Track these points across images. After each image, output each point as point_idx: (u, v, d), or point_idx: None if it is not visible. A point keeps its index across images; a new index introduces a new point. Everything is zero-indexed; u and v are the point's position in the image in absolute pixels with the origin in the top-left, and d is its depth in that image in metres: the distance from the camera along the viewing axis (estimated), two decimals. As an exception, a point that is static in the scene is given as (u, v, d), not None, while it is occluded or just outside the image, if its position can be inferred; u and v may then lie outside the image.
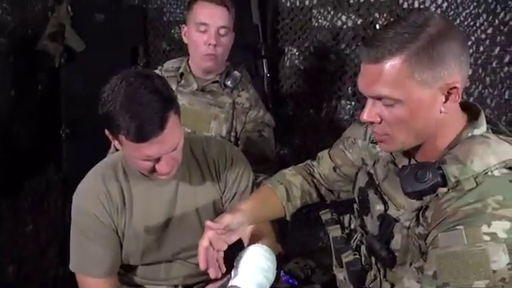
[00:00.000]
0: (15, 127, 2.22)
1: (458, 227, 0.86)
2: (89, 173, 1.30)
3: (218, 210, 1.35)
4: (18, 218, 2.21)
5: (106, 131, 1.13)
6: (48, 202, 2.37)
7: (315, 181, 1.33)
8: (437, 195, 0.94)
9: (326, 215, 1.32)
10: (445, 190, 0.92)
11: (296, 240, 2.31)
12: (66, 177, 2.37)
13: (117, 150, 1.28)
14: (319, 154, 1.34)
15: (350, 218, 1.27)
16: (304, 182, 1.31)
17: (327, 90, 2.15)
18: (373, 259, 1.12)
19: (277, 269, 1.26)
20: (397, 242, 1.03)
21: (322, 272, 1.88)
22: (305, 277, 1.82)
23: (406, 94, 0.90)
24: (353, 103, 2.11)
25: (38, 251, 2.34)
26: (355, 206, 1.24)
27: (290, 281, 1.73)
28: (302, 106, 2.24)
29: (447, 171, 0.91)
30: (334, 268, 1.27)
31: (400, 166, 1.04)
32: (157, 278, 1.36)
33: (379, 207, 1.06)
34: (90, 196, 1.25)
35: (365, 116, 0.97)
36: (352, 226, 1.26)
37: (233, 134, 1.69)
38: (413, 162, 1.03)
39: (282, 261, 1.42)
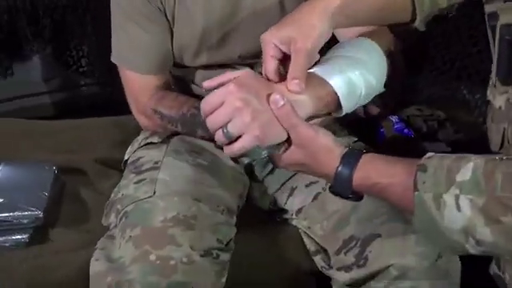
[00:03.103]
0: None
1: None
2: None
3: None
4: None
5: None
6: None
7: None
8: None
9: None
10: None
11: (426, 94, 1.76)
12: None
13: None
14: None
15: None
16: None
17: None
18: None
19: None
20: None
21: (454, 129, 1.36)
22: (428, 130, 1.32)
23: None
24: None
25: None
26: None
27: (406, 131, 1.26)
28: None
29: None
30: (488, 92, 0.76)
31: None
32: None
33: None
34: None
35: None
36: None
37: None
38: None
39: (400, 79, 0.97)
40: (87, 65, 2.18)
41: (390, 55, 0.85)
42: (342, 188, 0.67)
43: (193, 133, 0.95)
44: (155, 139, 0.98)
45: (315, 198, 0.92)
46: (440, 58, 1.86)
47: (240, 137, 0.66)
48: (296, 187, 0.96)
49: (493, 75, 0.72)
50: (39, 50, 2.10)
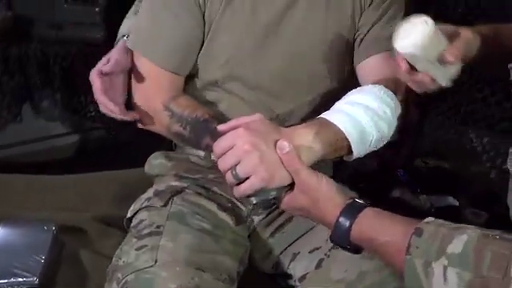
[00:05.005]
0: None
1: None
2: None
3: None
4: None
5: None
6: None
7: None
8: None
9: None
10: None
11: (431, 138, 1.73)
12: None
13: None
14: None
15: None
16: None
17: None
18: None
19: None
20: None
21: (461, 180, 1.32)
22: (434, 183, 1.29)
23: None
24: None
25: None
26: None
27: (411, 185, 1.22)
28: None
29: None
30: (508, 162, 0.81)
31: None
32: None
33: None
34: None
35: None
36: None
37: None
38: None
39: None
40: (95, 110, 2.18)
41: (405, 104, 0.85)
42: (341, 238, 0.67)
43: (199, 139, 0.89)
44: (157, 203, 0.93)
45: (319, 264, 0.87)
46: (445, 103, 1.83)
47: (248, 178, 0.69)
48: (299, 253, 0.92)
49: None
50: (48, 97, 2.10)
